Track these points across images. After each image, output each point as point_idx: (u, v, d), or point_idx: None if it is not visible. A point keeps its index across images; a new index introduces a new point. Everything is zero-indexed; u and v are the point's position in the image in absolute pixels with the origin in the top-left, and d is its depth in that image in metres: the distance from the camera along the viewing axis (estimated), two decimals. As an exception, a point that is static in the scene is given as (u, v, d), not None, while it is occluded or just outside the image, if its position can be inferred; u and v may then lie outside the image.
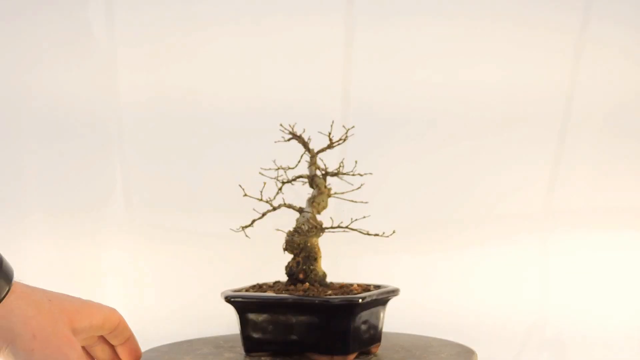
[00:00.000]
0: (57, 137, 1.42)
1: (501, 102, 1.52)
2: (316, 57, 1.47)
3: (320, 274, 1.12)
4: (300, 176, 1.15)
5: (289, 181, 1.15)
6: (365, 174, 1.15)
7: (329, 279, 1.15)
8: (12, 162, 1.40)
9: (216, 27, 1.45)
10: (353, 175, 1.16)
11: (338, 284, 1.16)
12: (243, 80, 1.46)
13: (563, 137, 1.53)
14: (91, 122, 1.43)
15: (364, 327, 1.07)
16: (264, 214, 1.11)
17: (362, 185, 1.16)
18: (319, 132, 1.14)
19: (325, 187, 1.13)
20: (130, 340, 0.85)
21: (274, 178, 1.14)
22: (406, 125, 1.49)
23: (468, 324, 1.48)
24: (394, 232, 1.09)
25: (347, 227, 1.11)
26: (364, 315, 1.06)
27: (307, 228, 1.11)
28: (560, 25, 1.50)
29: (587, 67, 1.52)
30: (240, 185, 1.12)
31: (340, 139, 1.14)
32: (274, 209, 1.12)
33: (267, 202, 1.12)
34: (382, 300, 1.10)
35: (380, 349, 1.14)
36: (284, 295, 1.06)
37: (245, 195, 1.11)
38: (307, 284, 1.11)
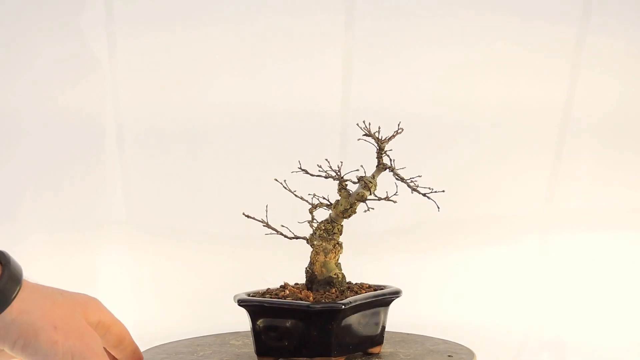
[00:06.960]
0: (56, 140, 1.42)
1: (502, 104, 1.53)
2: None
3: (320, 277, 1.08)
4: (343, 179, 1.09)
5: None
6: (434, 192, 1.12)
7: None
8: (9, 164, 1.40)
9: None
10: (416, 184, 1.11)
11: (358, 284, 1.14)
12: None
13: (563, 138, 1.54)
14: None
15: (272, 333, 1.03)
16: (312, 211, 1.09)
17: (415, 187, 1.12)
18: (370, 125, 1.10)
19: (344, 190, 1.07)
20: (135, 353, 0.84)
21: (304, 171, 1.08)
22: (407, 126, 1.49)
23: (468, 325, 1.49)
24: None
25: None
26: (272, 321, 1.03)
27: (313, 230, 1.10)
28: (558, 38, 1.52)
29: (587, 70, 1.54)
30: (281, 179, 1.09)
31: (386, 139, 1.10)
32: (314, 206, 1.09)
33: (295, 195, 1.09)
34: (326, 312, 1.01)
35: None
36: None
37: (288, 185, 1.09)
38: (289, 286, 1.12)
